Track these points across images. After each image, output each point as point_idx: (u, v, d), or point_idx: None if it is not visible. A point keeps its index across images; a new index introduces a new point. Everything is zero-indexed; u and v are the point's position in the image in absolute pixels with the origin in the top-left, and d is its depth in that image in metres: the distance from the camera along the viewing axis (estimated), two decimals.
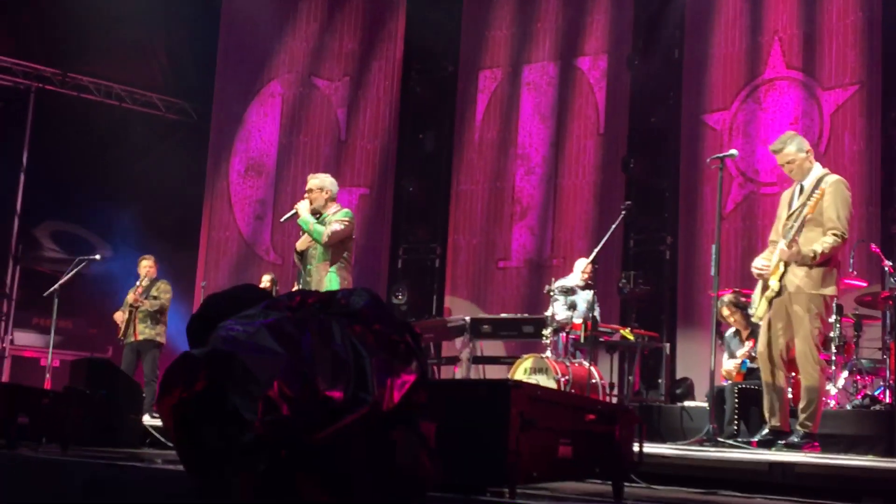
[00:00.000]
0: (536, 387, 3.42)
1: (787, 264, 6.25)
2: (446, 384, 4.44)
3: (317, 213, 7.96)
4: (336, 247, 7.88)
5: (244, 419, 2.73)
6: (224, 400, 2.78)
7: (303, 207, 7.97)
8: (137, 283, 10.38)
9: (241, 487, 2.76)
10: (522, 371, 8.49)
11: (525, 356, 8.68)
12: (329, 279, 7.86)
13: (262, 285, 11.43)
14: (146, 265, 10.44)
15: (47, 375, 10.79)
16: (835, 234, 6.15)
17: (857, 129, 10.58)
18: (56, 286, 10.17)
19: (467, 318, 10.30)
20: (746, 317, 8.01)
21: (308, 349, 2.87)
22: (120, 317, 10.22)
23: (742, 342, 8.30)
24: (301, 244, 8.04)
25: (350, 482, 2.79)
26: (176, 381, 2.90)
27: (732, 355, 8.41)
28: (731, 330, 8.49)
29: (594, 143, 12.63)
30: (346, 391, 2.83)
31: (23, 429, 5.37)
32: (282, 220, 8.39)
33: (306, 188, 8.12)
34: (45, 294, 10.22)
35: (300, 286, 8.18)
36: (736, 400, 7.90)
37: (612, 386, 9.28)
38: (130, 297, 10.22)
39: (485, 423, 3.28)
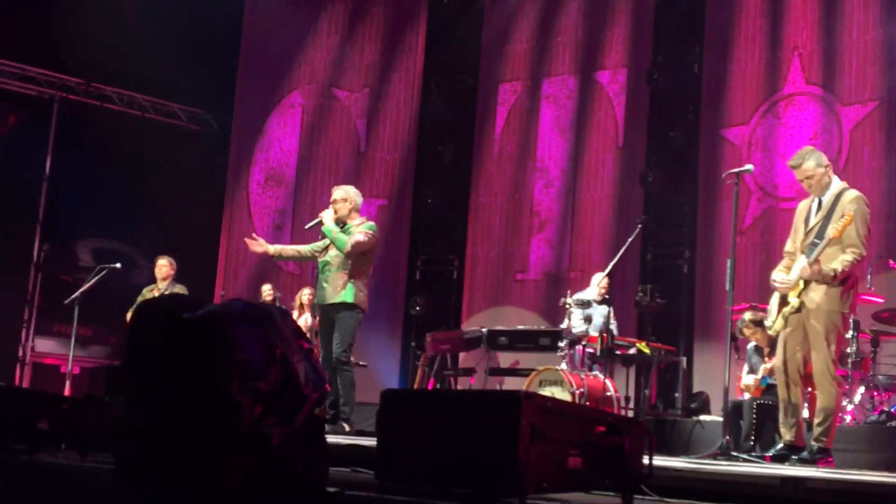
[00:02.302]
0: (547, 398, 3.45)
1: (807, 281, 6.27)
2: (458, 395, 4.47)
3: (341, 224, 8.04)
4: (357, 258, 7.96)
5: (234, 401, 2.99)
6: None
7: (327, 216, 8.05)
8: (154, 284, 10.36)
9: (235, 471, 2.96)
10: (537, 383, 8.51)
11: (540, 368, 8.69)
12: (346, 289, 7.92)
13: (263, 296, 11.50)
14: (162, 266, 10.33)
15: (67, 382, 10.83)
16: (854, 252, 6.17)
17: (876, 145, 10.57)
18: (77, 294, 10.22)
19: (484, 330, 10.32)
20: (768, 332, 8.01)
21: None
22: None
23: (763, 358, 8.29)
24: (317, 248, 8.13)
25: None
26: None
27: (752, 370, 8.40)
28: (752, 344, 8.48)
29: (613, 156, 12.64)
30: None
31: (42, 434, 5.44)
32: (306, 227, 8.46)
33: (331, 198, 8.20)
34: (66, 302, 10.27)
35: (315, 295, 8.25)
36: (754, 415, 7.90)
37: (627, 399, 9.29)
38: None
39: (495, 433, 3.32)
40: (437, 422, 3.44)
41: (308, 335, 10.02)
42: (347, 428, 7.73)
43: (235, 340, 3.17)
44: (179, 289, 10.28)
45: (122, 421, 3.41)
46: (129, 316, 10.04)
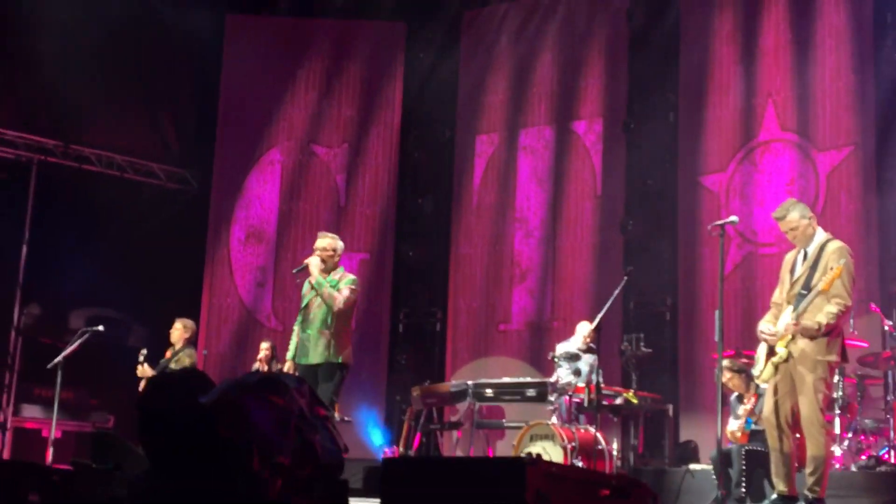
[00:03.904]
0: (551, 464, 3.46)
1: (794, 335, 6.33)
2: (463, 462, 4.46)
3: (324, 274, 7.94)
4: (340, 313, 7.88)
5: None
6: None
7: (314, 264, 7.90)
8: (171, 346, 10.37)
9: None
10: (528, 438, 8.48)
11: (531, 423, 8.68)
12: (332, 347, 7.84)
13: (261, 353, 11.45)
14: (175, 329, 10.31)
15: (49, 448, 10.70)
16: (839, 304, 6.23)
17: (852, 190, 10.69)
18: (60, 358, 10.13)
19: (470, 383, 10.28)
20: (746, 379, 8.05)
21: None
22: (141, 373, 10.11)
23: (743, 402, 8.31)
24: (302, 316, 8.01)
25: None
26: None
27: (737, 416, 8.42)
28: (735, 394, 8.51)
29: (592, 205, 12.72)
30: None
31: None
32: (294, 271, 8.34)
33: (316, 245, 8.07)
34: (49, 366, 10.18)
35: (298, 349, 8.07)
36: (743, 463, 7.90)
37: (616, 451, 9.27)
38: (146, 371, 10.09)
39: (501, 500, 3.31)
40: (441, 491, 3.43)
41: None
42: None
43: (251, 418, 3.20)
44: (184, 356, 10.14)
45: (140, 489, 3.45)
46: (141, 385, 9.97)
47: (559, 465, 3.55)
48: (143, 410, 3.49)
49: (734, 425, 8.29)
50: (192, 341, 10.30)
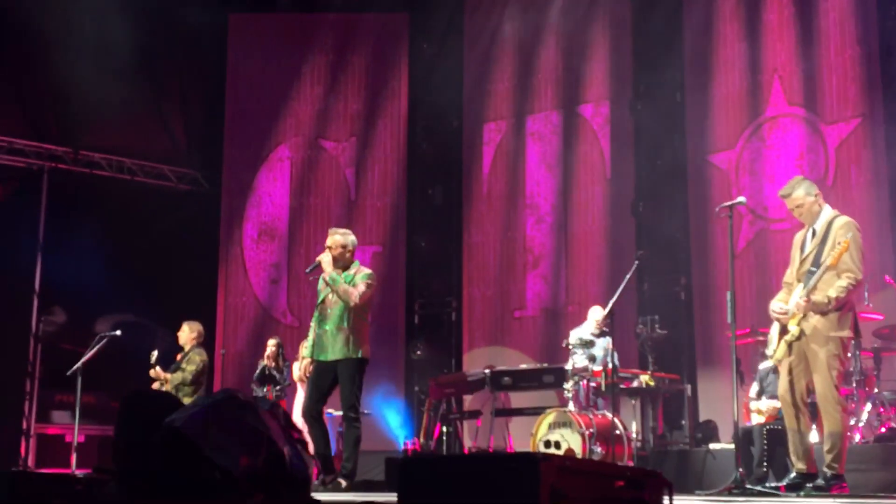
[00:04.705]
0: (565, 457, 3.48)
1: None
2: (476, 458, 4.49)
3: (339, 270, 7.85)
4: (356, 308, 7.79)
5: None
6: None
7: (326, 261, 7.79)
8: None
9: None
10: (546, 426, 8.49)
11: (548, 410, 8.68)
12: (351, 343, 7.79)
13: (267, 350, 11.49)
14: (182, 332, 10.32)
15: (73, 453, 10.79)
16: (849, 277, 6.23)
17: (862, 162, 10.65)
18: (79, 364, 10.21)
19: (487, 371, 10.28)
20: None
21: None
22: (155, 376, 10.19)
23: None
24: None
25: None
26: None
27: (764, 392, 8.38)
28: (766, 364, 8.33)
29: (602, 188, 12.73)
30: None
31: None
32: (306, 270, 8.17)
33: (327, 243, 7.96)
34: (68, 373, 10.27)
35: (315, 346, 8.00)
36: (765, 441, 7.89)
37: (635, 433, 9.27)
38: (159, 373, 10.16)
39: (516, 495, 3.34)
40: (456, 487, 3.45)
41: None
42: (344, 484, 7.61)
43: (223, 434, 3.38)
44: (194, 355, 10.17)
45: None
46: (154, 387, 10.04)
47: (573, 458, 3.57)
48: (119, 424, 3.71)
49: (762, 404, 8.25)
50: (200, 342, 10.33)
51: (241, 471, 3.44)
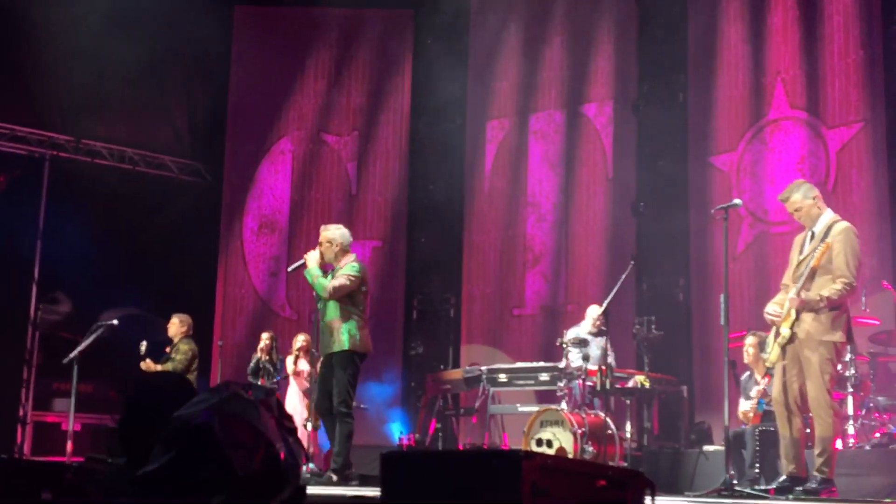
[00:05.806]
0: (547, 456, 3.48)
1: (798, 311, 6.32)
2: (459, 455, 4.49)
3: (329, 266, 7.97)
4: (343, 301, 7.82)
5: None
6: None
7: (312, 258, 7.89)
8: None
9: None
10: (538, 424, 8.49)
11: (541, 408, 8.69)
12: (341, 337, 7.84)
13: (261, 343, 11.50)
14: (172, 324, 10.48)
15: (69, 441, 10.81)
16: (843, 282, 6.22)
17: (863, 167, 10.62)
18: (75, 352, 10.23)
19: (483, 369, 10.31)
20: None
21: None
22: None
23: (757, 382, 8.29)
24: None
25: None
26: None
27: (748, 397, 8.41)
28: (746, 373, 8.51)
29: (603, 188, 12.71)
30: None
31: None
32: (289, 269, 8.37)
33: (319, 240, 8.10)
34: (64, 361, 10.28)
35: (317, 340, 8.11)
36: (757, 443, 7.89)
37: (632, 434, 9.27)
38: (150, 365, 10.24)
39: (497, 493, 3.34)
40: (438, 483, 3.46)
41: (308, 380, 10.05)
42: (335, 478, 7.69)
43: (226, 426, 3.37)
44: (182, 345, 10.26)
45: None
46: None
47: (554, 457, 3.57)
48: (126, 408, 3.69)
49: (746, 406, 8.28)
50: (189, 335, 10.45)
51: (241, 470, 3.46)
